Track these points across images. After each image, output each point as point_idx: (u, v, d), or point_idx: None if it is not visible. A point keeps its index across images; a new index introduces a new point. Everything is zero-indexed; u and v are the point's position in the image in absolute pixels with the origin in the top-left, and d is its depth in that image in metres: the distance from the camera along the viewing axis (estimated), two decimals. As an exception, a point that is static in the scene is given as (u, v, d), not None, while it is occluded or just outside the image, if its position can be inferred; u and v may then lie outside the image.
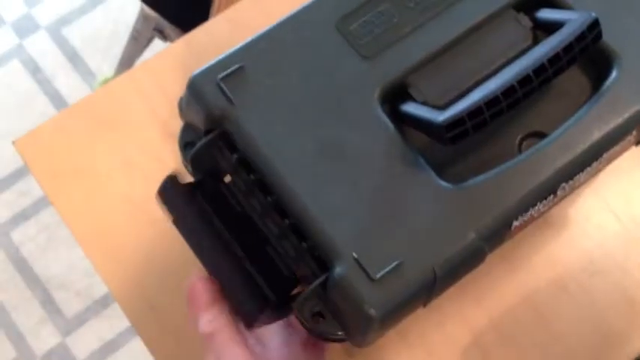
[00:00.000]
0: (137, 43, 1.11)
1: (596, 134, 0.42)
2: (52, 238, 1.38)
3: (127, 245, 0.61)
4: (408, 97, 0.43)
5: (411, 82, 0.43)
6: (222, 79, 0.43)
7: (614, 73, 0.43)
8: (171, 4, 0.89)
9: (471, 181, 0.41)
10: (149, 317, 0.59)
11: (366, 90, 0.43)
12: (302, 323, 0.42)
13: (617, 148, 0.43)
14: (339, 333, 0.42)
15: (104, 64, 1.49)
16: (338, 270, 0.39)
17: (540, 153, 0.41)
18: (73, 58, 1.51)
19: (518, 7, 0.45)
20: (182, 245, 0.60)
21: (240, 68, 0.43)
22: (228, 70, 0.43)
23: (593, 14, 0.41)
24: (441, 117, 0.40)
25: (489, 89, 0.40)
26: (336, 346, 0.58)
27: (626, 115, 0.42)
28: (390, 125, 0.42)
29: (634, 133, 0.43)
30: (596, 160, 0.42)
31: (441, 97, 0.43)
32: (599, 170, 0.45)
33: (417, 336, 0.59)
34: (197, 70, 0.44)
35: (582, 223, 0.62)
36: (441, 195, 0.41)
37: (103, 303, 1.33)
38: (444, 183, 0.41)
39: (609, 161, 0.45)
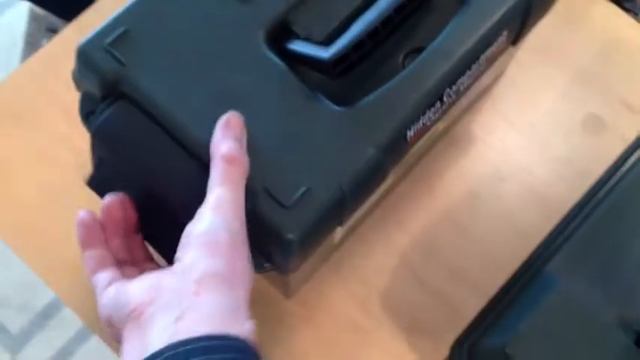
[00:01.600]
0: (33, 49, 1.09)
1: (469, 38, 0.45)
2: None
3: (62, 241, 0.61)
4: (292, 35, 0.45)
5: (292, 19, 0.45)
6: (110, 43, 0.44)
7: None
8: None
9: (363, 101, 0.43)
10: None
11: (251, 33, 0.45)
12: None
13: (492, 49, 0.46)
14: (265, 265, 0.44)
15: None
16: (251, 204, 0.41)
17: (421, 65, 0.44)
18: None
19: None
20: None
21: (125, 31, 0.44)
22: (114, 34, 0.44)
23: None
24: (326, 54, 0.42)
25: (368, 21, 0.43)
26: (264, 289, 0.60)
27: (494, 18, 0.45)
28: (279, 63, 0.44)
29: (505, 33, 0.46)
30: (474, 62, 0.45)
31: (324, 29, 0.45)
32: (482, 73, 0.48)
33: (350, 268, 0.62)
34: (83, 39, 0.44)
35: (485, 137, 0.66)
36: (336, 118, 0.43)
37: (45, 314, 1.32)
38: (337, 107, 0.43)
39: (490, 63, 0.48)
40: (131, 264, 0.45)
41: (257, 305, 0.59)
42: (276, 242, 0.41)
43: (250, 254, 0.41)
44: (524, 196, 0.63)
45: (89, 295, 0.59)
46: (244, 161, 0.40)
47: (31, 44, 1.11)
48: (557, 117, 0.66)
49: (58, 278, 0.61)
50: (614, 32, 0.69)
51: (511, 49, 0.51)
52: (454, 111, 0.54)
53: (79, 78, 0.46)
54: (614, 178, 0.46)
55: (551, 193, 0.63)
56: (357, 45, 0.43)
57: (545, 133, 0.66)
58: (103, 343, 0.58)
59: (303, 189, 0.41)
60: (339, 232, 0.55)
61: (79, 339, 1.30)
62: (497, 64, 0.54)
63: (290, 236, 0.41)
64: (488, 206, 0.63)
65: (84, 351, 1.30)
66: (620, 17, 0.69)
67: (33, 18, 1.00)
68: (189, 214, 0.43)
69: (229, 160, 0.40)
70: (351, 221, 0.56)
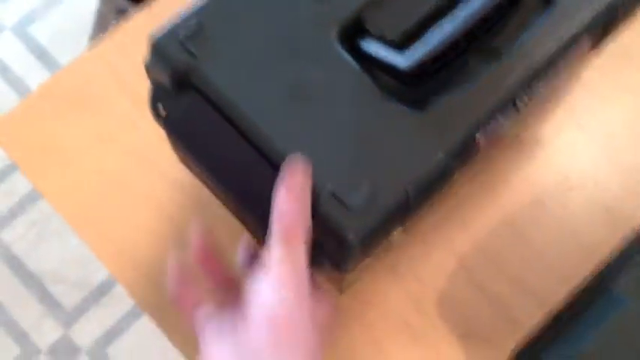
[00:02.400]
0: (103, 29, 1.11)
1: (549, 44, 0.43)
2: (42, 234, 1.39)
3: (119, 223, 0.63)
4: (365, 33, 0.45)
5: (366, 17, 0.45)
6: (184, 37, 0.44)
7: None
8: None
9: (434, 105, 0.43)
10: (151, 291, 0.61)
11: (324, 31, 0.44)
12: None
13: (571, 54, 0.45)
14: (325, 263, 0.44)
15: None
16: (316, 203, 0.41)
17: (497, 69, 0.43)
18: (43, 55, 1.50)
19: None
20: (175, 216, 0.62)
21: (199, 25, 0.44)
22: (189, 29, 0.44)
23: None
24: (403, 62, 0.42)
25: (450, 30, 0.42)
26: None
27: (577, 23, 0.44)
28: (351, 61, 0.43)
29: (586, 39, 0.45)
30: (552, 69, 0.44)
31: (398, 29, 0.44)
32: (559, 81, 0.46)
33: (407, 266, 0.61)
34: (158, 32, 0.45)
35: (555, 143, 0.64)
36: (406, 121, 0.42)
37: (100, 291, 1.35)
38: (408, 109, 0.42)
39: (567, 71, 0.47)
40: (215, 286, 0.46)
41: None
42: (338, 243, 0.41)
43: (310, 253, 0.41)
44: (592, 207, 0.61)
45: (141, 274, 0.61)
46: (304, 227, 0.40)
47: (101, 24, 1.13)
48: (633, 126, 0.64)
49: (113, 257, 0.62)
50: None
51: (589, 54, 0.50)
52: (528, 116, 0.53)
53: (151, 68, 0.46)
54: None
55: (619, 207, 0.61)
56: (437, 56, 0.42)
57: (618, 142, 0.64)
58: (153, 322, 0.60)
59: (368, 191, 0.41)
60: (398, 231, 0.54)
61: (131, 316, 1.33)
62: (574, 69, 0.52)
63: (352, 238, 0.40)
64: (553, 215, 0.61)
65: (135, 329, 1.33)
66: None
67: None
68: (258, 210, 0.43)
69: (289, 236, 0.39)
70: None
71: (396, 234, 0.55)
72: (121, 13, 0.98)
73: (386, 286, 0.61)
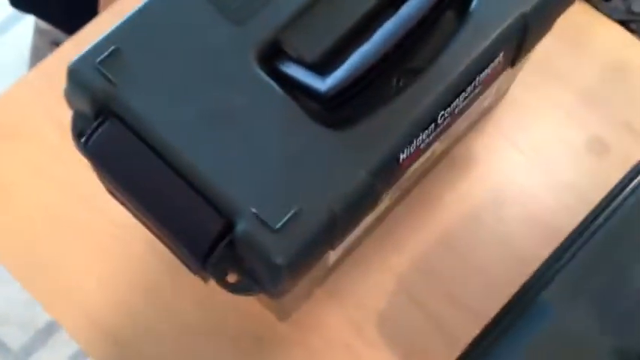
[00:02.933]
0: (39, 62, 1.10)
1: (464, 61, 0.44)
2: None
3: (59, 264, 0.61)
4: (284, 55, 0.44)
5: (283, 39, 0.44)
6: (100, 62, 0.43)
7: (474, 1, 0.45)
8: (58, 12, 0.88)
9: (355, 124, 0.42)
10: (95, 335, 0.59)
11: (242, 53, 0.44)
12: (218, 283, 0.43)
13: (488, 71, 0.45)
14: (255, 287, 0.43)
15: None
16: (240, 227, 0.40)
17: (414, 87, 0.43)
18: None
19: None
20: (116, 253, 0.61)
21: (116, 49, 0.44)
22: (105, 53, 0.44)
23: None
24: (323, 87, 0.42)
25: (370, 52, 0.42)
26: (260, 312, 0.59)
27: (490, 39, 0.44)
28: (271, 83, 0.43)
29: (502, 55, 0.45)
30: (469, 84, 0.44)
31: (315, 51, 0.44)
32: (479, 94, 0.47)
33: (346, 291, 0.61)
34: (74, 58, 0.44)
35: (487, 159, 0.65)
36: (327, 141, 0.42)
37: (47, 331, 1.31)
38: (330, 130, 0.42)
39: (487, 84, 0.47)
40: None
41: (250, 328, 0.59)
42: (265, 266, 0.41)
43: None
44: (526, 221, 0.62)
45: (84, 317, 0.59)
46: None
47: (38, 58, 1.11)
48: (561, 139, 0.65)
49: (55, 300, 0.60)
50: (619, 54, 0.68)
51: (510, 71, 0.51)
52: (452, 133, 0.53)
53: (70, 96, 0.45)
54: (614, 204, 0.45)
55: (553, 219, 0.61)
56: (355, 81, 0.42)
57: (548, 155, 0.64)
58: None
59: (292, 212, 0.40)
60: (332, 255, 0.54)
61: (80, 357, 1.30)
62: (495, 86, 0.53)
63: (278, 260, 0.40)
64: (488, 231, 0.62)
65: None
66: (626, 39, 0.68)
67: (38, 32, 1.00)
68: (180, 236, 0.42)
69: None
70: (346, 244, 0.55)
71: (332, 256, 0.55)
72: (55, 45, 0.97)
73: (327, 312, 0.60)
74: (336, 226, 0.42)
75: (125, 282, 0.61)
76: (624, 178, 0.46)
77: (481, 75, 0.45)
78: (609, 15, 0.68)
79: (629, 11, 0.68)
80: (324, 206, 0.41)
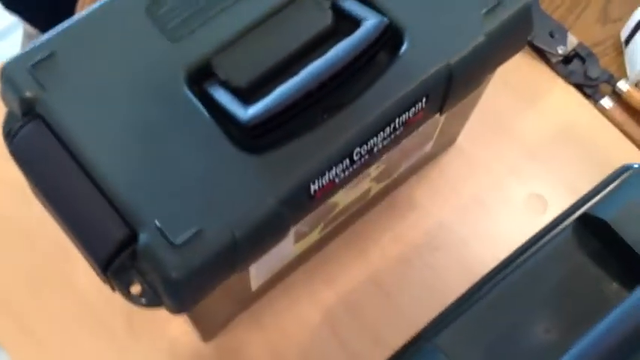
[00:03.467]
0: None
1: (384, 101, 0.45)
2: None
3: None
4: (213, 78, 0.46)
5: (215, 62, 0.46)
6: (34, 65, 0.45)
7: (404, 45, 0.46)
8: (42, 16, 0.90)
9: (270, 152, 0.43)
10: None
11: (174, 71, 0.45)
12: (119, 292, 0.44)
13: (409, 115, 0.46)
14: (156, 300, 0.44)
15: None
16: (142, 238, 0.41)
17: (331, 121, 0.44)
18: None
19: (319, -8, 0.48)
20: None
21: (51, 54, 0.45)
22: (39, 57, 0.45)
23: (385, 19, 0.45)
24: (245, 116, 0.43)
25: (290, 91, 0.43)
26: (184, 333, 0.59)
27: (413, 83, 0.45)
28: (196, 103, 0.44)
29: (425, 100, 0.46)
30: (388, 125, 0.45)
31: (245, 76, 0.45)
32: (402, 137, 0.48)
33: (271, 318, 0.61)
34: (9, 58, 0.45)
35: (427, 204, 0.66)
36: (239, 164, 0.43)
37: None
38: (243, 153, 0.43)
39: (411, 128, 0.48)
40: None
41: (174, 344, 0.59)
42: (161, 279, 0.41)
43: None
44: (457, 269, 0.62)
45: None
46: None
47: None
48: (502, 192, 0.66)
49: None
50: (570, 116, 0.69)
51: (439, 118, 0.52)
52: (386, 174, 0.54)
53: (3, 95, 0.46)
54: (517, 261, 0.46)
55: (482, 269, 0.61)
56: (278, 112, 0.43)
57: (487, 207, 0.65)
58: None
59: (194, 230, 0.41)
60: (254, 280, 0.55)
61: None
62: (423, 131, 0.54)
63: (173, 274, 0.40)
64: (418, 275, 0.62)
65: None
66: (578, 102, 0.69)
67: (27, 36, 1.02)
68: (88, 241, 0.43)
69: None
70: (270, 271, 0.55)
71: (254, 281, 0.55)
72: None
73: (249, 336, 0.60)
74: (237, 250, 0.42)
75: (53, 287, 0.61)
76: (532, 237, 0.47)
77: (401, 117, 0.46)
78: (566, 77, 0.70)
79: (586, 76, 0.69)
80: (226, 228, 0.41)
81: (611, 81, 0.69)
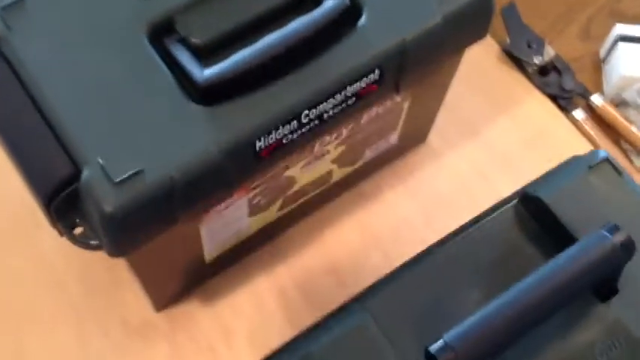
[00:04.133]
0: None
1: (336, 68, 0.46)
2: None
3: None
4: (174, 34, 0.47)
5: (178, 19, 0.47)
6: (3, 7, 0.46)
7: (362, 20, 0.48)
8: None
9: (219, 104, 0.45)
10: None
11: (137, 24, 0.47)
12: (59, 231, 0.45)
13: (361, 84, 0.47)
14: (92, 242, 0.45)
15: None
16: (85, 174, 0.42)
17: (286, 82, 0.45)
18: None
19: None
20: None
21: (20, 0, 0.47)
22: (9, 1, 0.47)
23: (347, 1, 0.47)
24: (201, 78, 0.45)
25: (246, 59, 0.45)
26: (137, 300, 0.60)
27: (366, 54, 0.47)
28: (153, 54, 0.46)
29: (378, 73, 0.47)
30: (338, 92, 0.46)
31: (204, 35, 0.47)
32: (353, 109, 0.49)
33: (224, 295, 0.62)
34: (-20, 2, 0.47)
35: (393, 198, 0.66)
36: (187, 113, 0.44)
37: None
38: (192, 104, 0.44)
39: (363, 101, 0.49)
40: None
41: (126, 309, 0.60)
42: (98, 215, 0.42)
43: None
44: (411, 262, 0.62)
45: None
46: None
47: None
48: (469, 195, 0.66)
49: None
50: (542, 124, 0.69)
51: (400, 103, 0.53)
52: (346, 157, 0.55)
53: (-29, 37, 0.48)
54: (457, 237, 0.46)
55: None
56: (233, 79, 0.45)
57: (453, 208, 0.65)
58: None
59: (134, 170, 0.42)
60: (208, 246, 0.55)
61: None
62: (385, 116, 0.55)
63: (109, 209, 0.41)
64: (376, 266, 0.62)
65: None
66: (551, 112, 0.70)
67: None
68: (28, 173, 0.44)
69: None
70: (223, 244, 0.56)
71: (207, 251, 0.56)
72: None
73: (201, 310, 0.61)
74: (175, 195, 0.43)
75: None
76: (476, 216, 0.47)
77: (352, 86, 0.47)
78: (541, 88, 0.70)
79: (561, 87, 0.70)
80: (166, 172, 0.42)
81: (585, 94, 0.70)
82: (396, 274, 0.44)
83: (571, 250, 0.38)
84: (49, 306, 0.60)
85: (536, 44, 0.71)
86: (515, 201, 0.46)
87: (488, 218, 0.46)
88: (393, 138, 0.61)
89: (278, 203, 0.57)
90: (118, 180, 0.42)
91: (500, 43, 0.73)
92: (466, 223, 0.46)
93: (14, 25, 0.46)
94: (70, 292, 0.61)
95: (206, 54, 0.47)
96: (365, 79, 0.47)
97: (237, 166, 0.45)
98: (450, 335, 0.35)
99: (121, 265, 0.61)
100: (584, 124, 0.68)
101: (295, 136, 0.47)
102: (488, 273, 0.43)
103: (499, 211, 0.46)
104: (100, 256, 0.61)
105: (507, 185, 0.65)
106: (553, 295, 0.36)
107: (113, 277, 0.61)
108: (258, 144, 0.45)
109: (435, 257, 0.44)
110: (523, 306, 0.36)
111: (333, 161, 0.57)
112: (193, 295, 0.61)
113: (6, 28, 0.46)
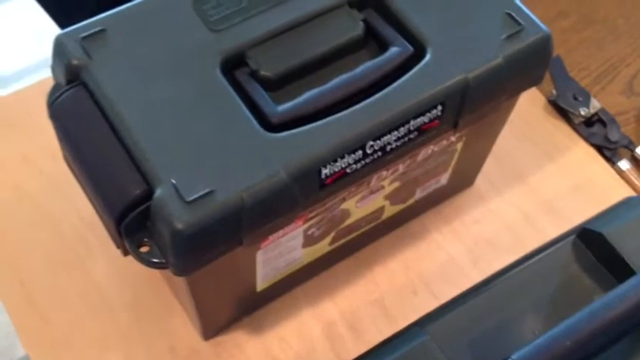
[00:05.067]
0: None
1: (401, 102, 0.48)
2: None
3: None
4: (245, 67, 0.49)
5: (249, 54, 0.50)
6: (84, 37, 0.49)
7: (427, 57, 0.50)
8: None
9: (288, 131, 0.46)
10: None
11: (211, 56, 0.49)
12: (124, 249, 0.46)
13: (424, 119, 0.49)
14: (161, 259, 0.46)
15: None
16: (158, 193, 0.44)
17: (353, 113, 0.47)
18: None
19: (352, 4, 0.52)
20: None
21: (102, 30, 0.50)
22: (91, 31, 0.49)
23: (410, 49, 0.50)
24: (274, 114, 0.47)
25: (319, 98, 0.48)
26: (185, 328, 0.60)
27: (430, 89, 0.48)
28: (225, 83, 0.48)
29: (440, 108, 0.49)
30: (402, 125, 0.48)
31: (274, 67, 0.49)
32: (415, 143, 0.50)
33: (271, 325, 0.63)
34: (64, 30, 0.50)
35: (440, 239, 0.67)
36: (258, 138, 0.46)
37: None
38: (262, 130, 0.46)
39: (425, 137, 0.50)
40: None
41: (174, 337, 0.60)
42: (168, 232, 0.43)
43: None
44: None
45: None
46: None
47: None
48: (515, 238, 0.67)
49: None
50: (588, 172, 0.70)
51: (455, 144, 0.54)
52: (400, 193, 0.56)
53: (52, 67, 0.51)
54: (516, 269, 0.47)
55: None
56: (305, 115, 0.47)
57: (499, 250, 0.66)
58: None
59: (206, 190, 0.44)
60: (261, 274, 0.56)
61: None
62: (439, 155, 0.56)
63: (179, 226, 0.43)
64: (424, 304, 0.63)
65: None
66: (597, 161, 0.71)
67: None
68: (99, 193, 0.46)
69: None
70: (279, 268, 0.57)
71: (260, 280, 0.57)
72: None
73: (248, 340, 0.61)
74: (244, 215, 0.44)
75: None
76: (534, 250, 0.48)
77: (416, 120, 0.48)
78: (587, 138, 0.72)
79: (606, 138, 0.71)
80: (236, 192, 0.44)
81: (631, 146, 0.71)
82: (456, 301, 0.44)
83: (634, 280, 0.39)
84: (98, 331, 0.61)
85: (582, 96, 0.72)
86: (572, 236, 0.47)
87: (545, 252, 0.46)
88: (444, 178, 0.63)
89: (331, 236, 0.58)
90: (189, 199, 0.43)
91: (546, 95, 0.75)
92: (524, 257, 0.47)
93: (94, 54, 0.49)
94: (120, 319, 0.61)
95: (274, 86, 0.49)
96: (428, 113, 0.49)
97: (302, 191, 0.47)
98: (518, 355, 0.36)
99: (170, 293, 0.63)
100: (629, 175, 0.69)
101: (359, 166, 0.48)
102: (547, 304, 0.44)
103: (557, 245, 0.46)
104: (150, 283, 0.63)
105: (553, 229, 0.66)
106: (620, 320, 0.37)
107: (162, 305, 0.62)
108: (323, 171, 0.47)
109: (495, 288, 0.45)
110: (591, 329, 0.36)
111: (386, 197, 0.58)
112: (240, 325, 0.62)
113: (87, 57, 0.48)
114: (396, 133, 0.48)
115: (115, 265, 0.63)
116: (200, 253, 0.45)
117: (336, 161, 0.47)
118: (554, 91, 0.74)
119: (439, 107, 0.49)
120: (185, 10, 0.51)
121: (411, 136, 0.49)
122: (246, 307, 0.61)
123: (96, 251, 0.65)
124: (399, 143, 0.49)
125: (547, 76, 0.75)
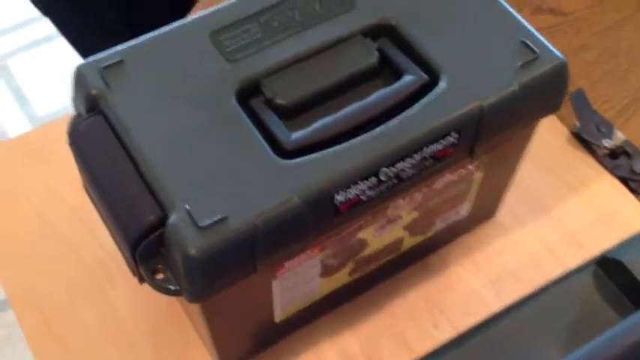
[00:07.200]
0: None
1: (415, 128, 0.48)
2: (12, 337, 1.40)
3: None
4: (260, 95, 0.50)
5: (265, 82, 0.50)
6: (104, 67, 0.50)
7: (441, 84, 0.50)
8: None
9: (302, 158, 0.47)
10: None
11: (226, 85, 0.50)
12: (140, 276, 0.47)
13: (438, 146, 0.49)
14: (171, 287, 0.46)
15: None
16: (172, 219, 0.44)
17: (366, 139, 0.47)
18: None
19: (366, 34, 0.53)
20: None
21: (121, 61, 0.51)
22: (110, 62, 0.51)
23: (424, 77, 0.50)
24: (288, 141, 0.48)
25: (332, 125, 0.48)
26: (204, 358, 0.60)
27: (445, 116, 0.48)
28: (240, 111, 0.49)
29: (456, 136, 0.49)
30: (416, 152, 0.48)
31: (288, 96, 0.50)
32: (430, 170, 0.50)
33: (291, 358, 0.61)
34: (83, 61, 0.51)
35: (461, 272, 0.66)
36: (271, 165, 0.46)
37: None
38: (276, 156, 0.47)
39: (442, 165, 0.50)
40: None
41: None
42: (181, 258, 0.43)
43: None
44: (483, 335, 0.61)
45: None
46: None
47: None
48: (539, 270, 0.65)
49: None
50: (612, 204, 0.69)
51: (473, 173, 0.53)
52: (418, 225, 0.56)
53: (73, 97, 0.52)
54: (536, 297, 0.46)
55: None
56: (319, 142, 0.48)
57: (523, 282, 0.64)
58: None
59: (220, 216, 0.44)
60: (279, 304, 0.56)
61: None
62: (457, 184, 0.56)
63: (193, 252, 0.43)
64: (446, 337, 0.62)
65: None
66: (622, 194, 0.70)
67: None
68: (115, 218, 0.46)
69: None
70: (297, 299, 0.57)
71: (278, 311, 0.56)
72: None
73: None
74: (256, 241, 0.44)
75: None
76: (555, 279, 0.47)
77: (430, 147, 0.48)
78: (612, 170, 0.71)
79: (632, 170, 0.70)
80: (250, 219, 0.44)
81: (657, 177, 0.70)
82: (474, 331, 0.43)
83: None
84: (115, 356, 0.61)
85: (605, 128, 0.71)
86: (593, 266, 0.46)
87: (566, 281, 0.45)
88: (464, 209, 0.62)
89: (349, 267, 0.58)
90: (203, 225, 0.43)
91: (569, 127, 0.74)
92: (544, 286, 0.46)
93: (113, 84, 0.50)
94: (139, 348, 0.61)
95: (289, 114, 0.50)
96: (442, 141, 0.49)
97: (316, 218, 0.46)
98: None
99: (189, 323, 0.62)
100: (656, 206, 0.68)
101: (373, 193, 0.48)
102: (567, 332, 0.43)
103: (577, 274, 0.45)
104: (170, 313, 0.63)
105: (577, 261, 0.65)
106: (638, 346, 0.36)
107: (181, 336, 0.62)
108: (337, 197, 0.47)
109: (515, 315, 0.44)
110: (610, 356, 0.35)
111: (405, 228, 0.58)
112: (258, 358, 0.61)
113: (106, 87, 0.50)
114: (410, 160, 0.48)
115: (134, 293, 0.63)
116: (213, 279, 0.45)
117: (349, 187, 0.47)
118: (577, 124, 0.73)
119: (454, 134, 0.49)
120: (202, 41, 0.52)
121: (427, 163, 0.49)
122: (265, 339, 0.60)
123: (116, 279, 0.65)
124: (414, 171, 0.49)
125: (570, 109, 0.74)
